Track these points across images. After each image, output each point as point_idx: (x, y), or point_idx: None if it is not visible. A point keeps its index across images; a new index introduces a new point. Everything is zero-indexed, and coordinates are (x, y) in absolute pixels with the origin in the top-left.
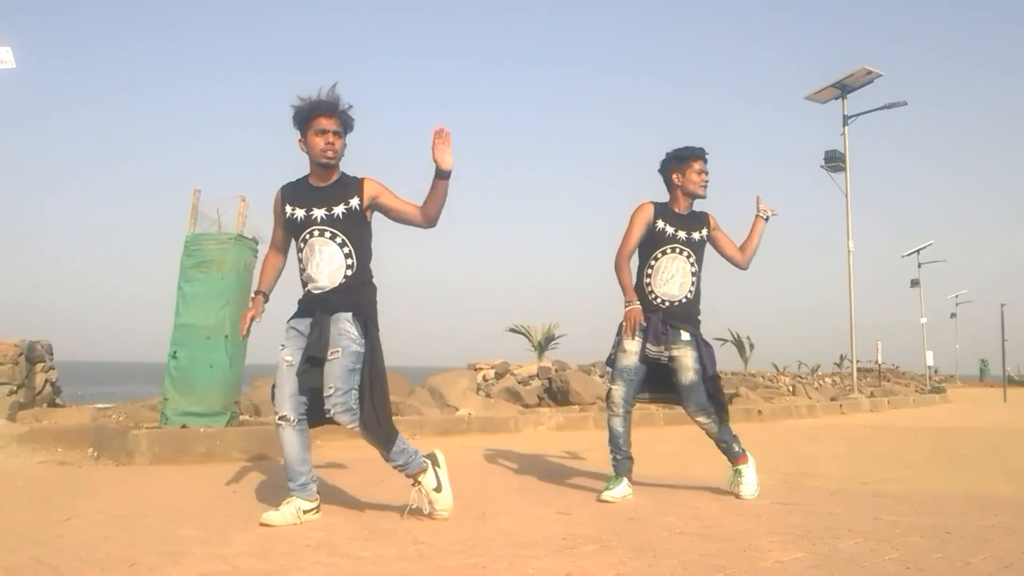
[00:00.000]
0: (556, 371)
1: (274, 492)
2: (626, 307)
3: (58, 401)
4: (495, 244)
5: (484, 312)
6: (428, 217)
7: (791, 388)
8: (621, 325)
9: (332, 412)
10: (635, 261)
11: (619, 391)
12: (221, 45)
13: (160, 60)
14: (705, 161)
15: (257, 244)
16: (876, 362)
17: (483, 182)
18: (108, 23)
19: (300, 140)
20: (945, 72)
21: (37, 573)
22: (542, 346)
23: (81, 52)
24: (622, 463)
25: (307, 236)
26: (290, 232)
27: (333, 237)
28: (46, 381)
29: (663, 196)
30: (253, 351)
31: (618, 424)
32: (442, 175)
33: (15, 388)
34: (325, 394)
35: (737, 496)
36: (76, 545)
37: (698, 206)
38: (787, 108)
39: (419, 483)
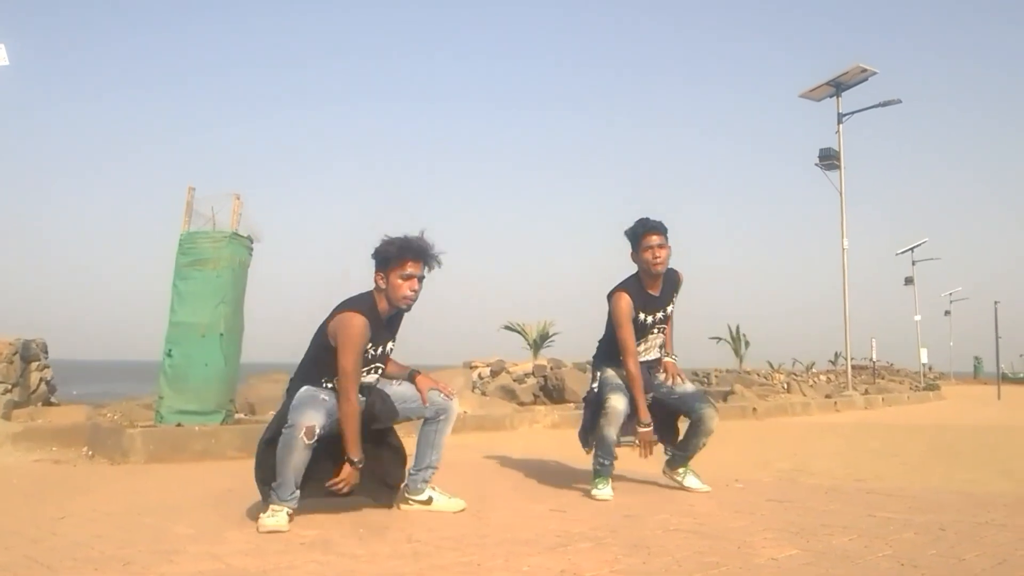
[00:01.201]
0: (551, 369)
1: None
2: (641, 429)
3: (53, 400)
4: (490, 241)
5: (479, 310)
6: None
7: (786, 386)
8: (603, 360)
9: (451, 392)
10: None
11: (621, 402)
12: (215, 39)
13: (153, 55)
14: (661, 233)
15: (252, 242)
16: (871, 359)
17: (477, 178)
18: (98, 17)
19: (379, 275)
20: (939, 69)
21: (31, 571)
22: (537, 344)
23: (72, 47)
24: (609, 467)
25: (372, 370)
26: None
27: (377, 370)
28: (41, 380)
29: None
30: (247, 350)
31: (613, 432)
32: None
33: (10, 387)
34: (432, 388)
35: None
36: (70, 543)
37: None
38: (781, 106)
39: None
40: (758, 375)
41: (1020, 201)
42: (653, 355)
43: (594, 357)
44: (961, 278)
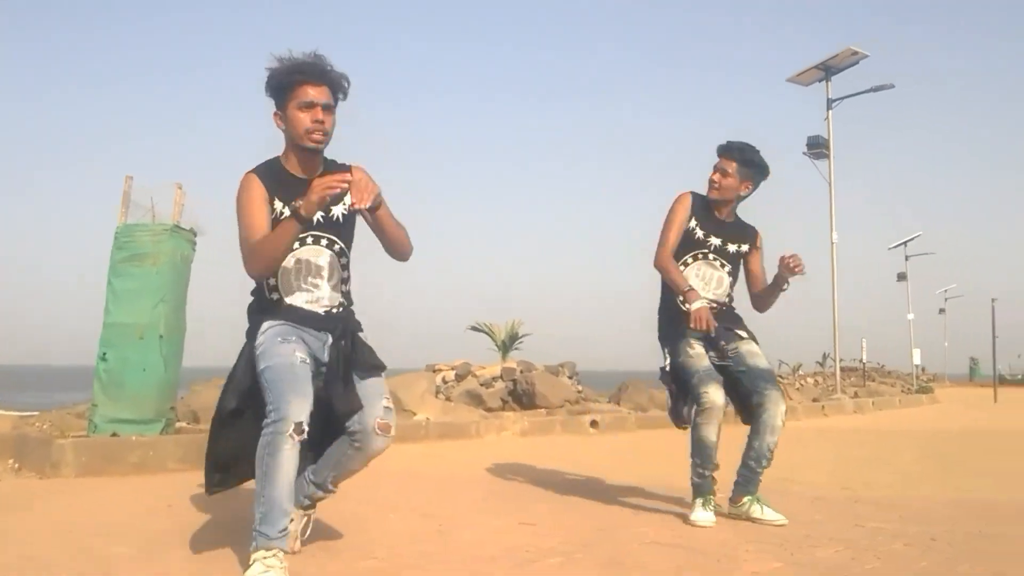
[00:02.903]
0: (521, 372)
1: (213, 505)
2: (690, 306)
3: None
4: (455, 237)
5: (443, 310)
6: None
7: None
8: (667, 332)
9: (390, 427)
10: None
11: (718, 393)
12: (158, 22)
13: (91, 37)
14: (732, 160)
15: (195, 235)
16: (860, 361)
17: (443, 170)
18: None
19: (276, 113)
20: (934, 52)
21: None
22: (506, 345)
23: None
24: (710, 480)
25: (304, 240)
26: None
27: (331, 245)
28: None
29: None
30: (190, 353)
31: (713, 432)
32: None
33: None
34: (384, 405)
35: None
36: None
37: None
38: (768, 90)
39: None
40: None
41: (1020, 194)
42: (714, 292)
43: (658, 332)
44: (957, 275)
